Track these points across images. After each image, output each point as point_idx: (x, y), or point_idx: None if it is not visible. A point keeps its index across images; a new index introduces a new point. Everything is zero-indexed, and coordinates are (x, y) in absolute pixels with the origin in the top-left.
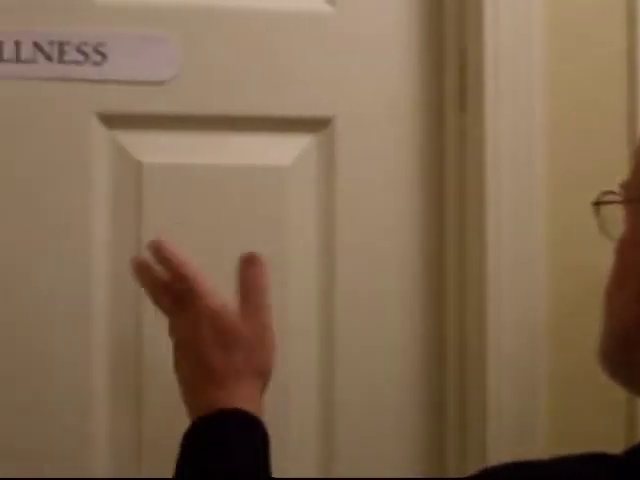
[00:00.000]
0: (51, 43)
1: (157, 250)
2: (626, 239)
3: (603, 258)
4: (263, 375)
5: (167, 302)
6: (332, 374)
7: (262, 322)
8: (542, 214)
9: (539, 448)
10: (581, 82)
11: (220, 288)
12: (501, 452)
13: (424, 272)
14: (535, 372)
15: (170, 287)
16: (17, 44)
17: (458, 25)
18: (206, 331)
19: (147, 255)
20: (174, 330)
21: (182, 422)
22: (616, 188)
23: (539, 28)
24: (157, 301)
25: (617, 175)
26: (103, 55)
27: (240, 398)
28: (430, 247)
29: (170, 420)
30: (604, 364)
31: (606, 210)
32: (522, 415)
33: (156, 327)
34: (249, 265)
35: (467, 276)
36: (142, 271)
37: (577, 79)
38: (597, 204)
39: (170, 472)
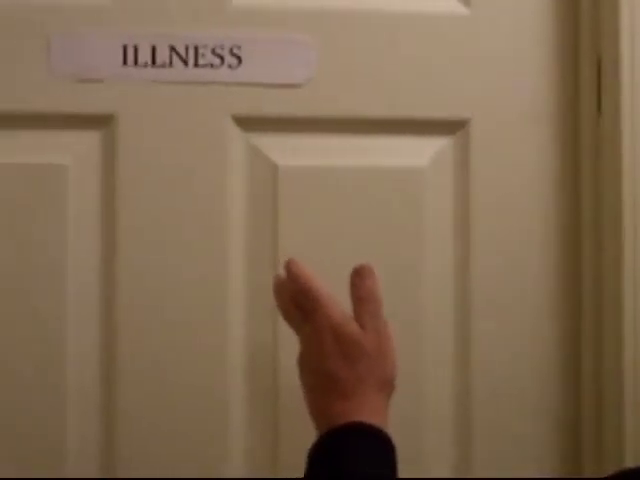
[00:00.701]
0: (186, 47)
1: (287, 268)
2: None
3: None
4: (387, 385)
5: (295, 317)
6: (467, 377)
7: (381, 333)
8: None
9: None
10: None
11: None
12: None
13: (561, 275)
14: None
15: (297, 302)
16: (153, 48)
17: (594, 25)
18: (329, 343)
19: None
20: (300, 343)
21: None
22: None
23: None
24: (287, 317)
25: None
26: (238, 58)
27: (366, 410)
28: (567, 250)
29: (306, 433)
30: None
31: None
32: None
33: (292, 335)
34: (363, 277)
35: (604, 279)
36: (279, 290)
37: None
38: None
39: None
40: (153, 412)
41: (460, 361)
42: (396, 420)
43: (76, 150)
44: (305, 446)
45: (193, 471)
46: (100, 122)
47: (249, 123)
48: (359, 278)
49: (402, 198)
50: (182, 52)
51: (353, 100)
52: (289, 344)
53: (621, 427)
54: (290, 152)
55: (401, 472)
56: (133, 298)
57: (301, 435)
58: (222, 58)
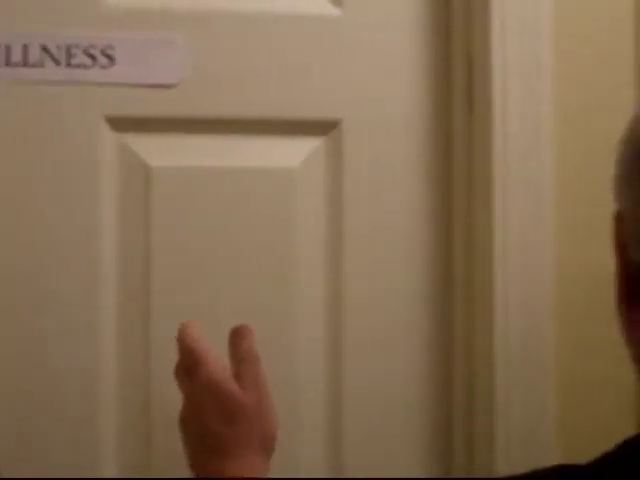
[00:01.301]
0: (58, 46)
1: (178, 330)
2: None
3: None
4: (266, 445)
5: (182, 378)
6: (340, 378)
7: (261, 392)
8: (550, 207)
9: (547, 447)
10: (588, 83)
11: (224, 294)
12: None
13: (432, 274)
14: (543, 377)
15: (183, 362)
16: (24, 47)
17: (465, 26)
18: (209, 401)
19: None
20: (183, 401)
21: None
22: None
23: (546, 29)
24: (176, 378)
25: None
26: (111, 58)
27: (245, 471)
28: (438, 248)
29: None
30: None
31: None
32: (530, 410)
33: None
34: (241, 337)
35: (475, 276)
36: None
37: (584, 80)
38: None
39: None
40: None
41: (331, 360)
42: None
43: None
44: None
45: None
46: None
47: (121, 124)
48: (238, 338)
49: (274, 199)
50: (54, 52)
51: (225, 101)
52: (160, 350)
53: (492, 428)
54: (163, 153)
55: (273, 474)
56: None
57: (173, 444)
58: (94, 58)
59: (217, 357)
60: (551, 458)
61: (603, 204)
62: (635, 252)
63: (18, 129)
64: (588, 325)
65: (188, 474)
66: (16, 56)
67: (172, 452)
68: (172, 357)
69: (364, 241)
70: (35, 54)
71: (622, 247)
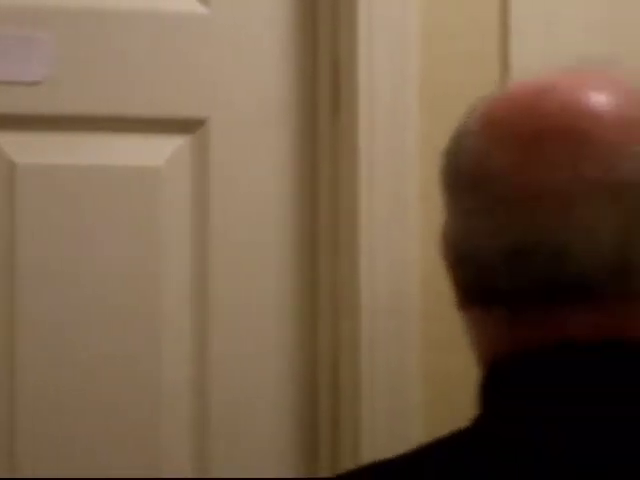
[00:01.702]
0: None
1: None
2: None
3: None
4: None
5: None
6: (205, 374)
7: None
8: (415, 204)
9: (413, 436)
10: (454, 83)
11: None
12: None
13: (299, 274)
14: (408, 368)
15: None
16: None
17: (332, 27)
18: None
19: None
20: None
21: None
22: None
23: (413, 34)
24: None
25: None
26: None
27: None
28: (305, 248)
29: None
30: None
31: None
32: (394, 407)
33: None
34: None
35: (340, 278)
36: None
37: (450, 79)
38: None
39: None
40: None
41: (197, 360)
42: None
43: None
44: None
45: None
46: None
47: None
48: None
49: (139, 197)
50: None
51: (93, 98)
52: (24, 340)
53: (357, 425)
54: (29, 150)
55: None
56: None
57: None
58: None
59: None
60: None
61: None
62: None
63: None
64: (452, 321)
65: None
66: None
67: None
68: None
69: (229, 239)
70: None
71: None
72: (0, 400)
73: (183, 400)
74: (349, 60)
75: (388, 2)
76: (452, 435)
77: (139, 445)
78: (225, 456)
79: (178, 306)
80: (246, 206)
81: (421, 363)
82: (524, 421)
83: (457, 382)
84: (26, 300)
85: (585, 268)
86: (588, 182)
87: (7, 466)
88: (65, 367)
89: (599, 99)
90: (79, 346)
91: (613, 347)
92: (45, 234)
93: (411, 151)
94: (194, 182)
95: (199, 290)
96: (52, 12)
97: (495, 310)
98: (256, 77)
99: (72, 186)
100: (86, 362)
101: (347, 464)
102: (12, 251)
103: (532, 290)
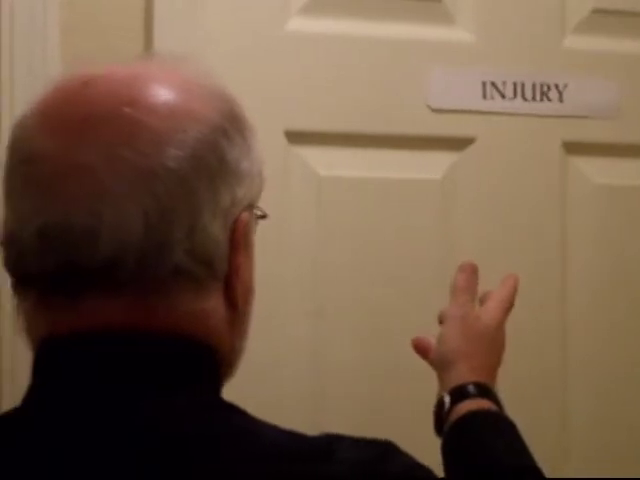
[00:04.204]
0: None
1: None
2: None
3: None
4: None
5: None
6: None
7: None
8: None
9: None
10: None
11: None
12: None
13: None
14: None
15: None
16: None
17: None
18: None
19: None
20: None
21: None
22: None
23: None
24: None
25: None
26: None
27: None
28: None
29: None
30: None
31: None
32: None
33: None
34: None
35: None
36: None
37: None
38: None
39: None
40: None
41: None
42: None
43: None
44: None
45: None
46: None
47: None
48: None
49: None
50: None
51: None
52: None
53: None
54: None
55: None
56: None
57: None
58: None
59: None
60: None
61: None
62: None
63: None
64: None
65: None
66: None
67: None
68: None
69: None
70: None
71: None
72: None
73: None
74: None
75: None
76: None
77: None
78: None
79: None
80: None
81: None
82: (45, 407)
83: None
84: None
85: (111, 254)
86: (124, 165)
87: None
88: None
89: (150, 88)
90: None
91: (123, 339)
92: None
93: None
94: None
95: None
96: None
97: (30, 294)
98: None
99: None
100: None
101: None
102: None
103: (58, 274)
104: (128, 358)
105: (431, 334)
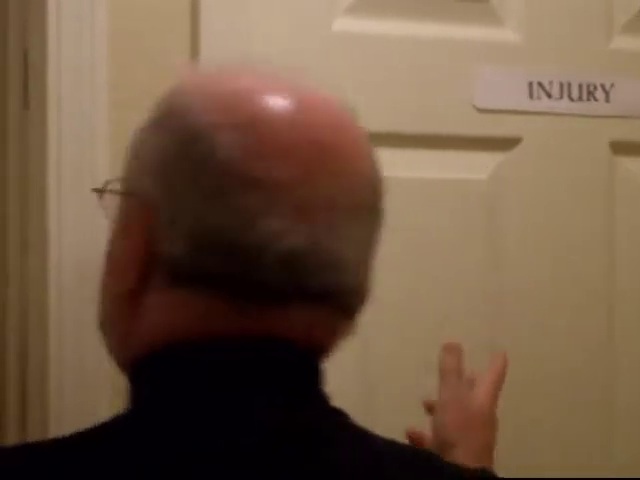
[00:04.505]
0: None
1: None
2: (115, 229)
3: None
4: None
5: None
6: None
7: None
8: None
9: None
10: (141, 80)
11: None
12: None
13: None
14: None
15: None
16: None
17: (21, 23)
18: None
19: None
20: None
21: None
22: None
23: (102, 34)
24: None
25: None
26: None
27: None
28: None
29: None
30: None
31: (109, 199)
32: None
33: None
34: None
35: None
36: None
37: (137, 77)
38: (99, 191)
39: None
40: None
41: None
42: None
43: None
44: None
45: None
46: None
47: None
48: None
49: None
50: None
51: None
52: None
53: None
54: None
55: None
56: None
57: None
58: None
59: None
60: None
61: None
62: (169, 244)
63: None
64: None
65: None
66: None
67: None
68: None
69: None
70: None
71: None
72: None
73: None
74: (39, 57)
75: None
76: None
77: None
78: None
79: None
80: None
81: None
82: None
83: None
84: None
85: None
86: (353, 198)
87: None
88: None
89: (346, 118)
90: None
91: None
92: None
93: (100, 148)
94: None
95: None
96: None
97: (187, 292)
98: None
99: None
100: None
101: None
102: None
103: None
104: (271, 364)
105: (475, 337)
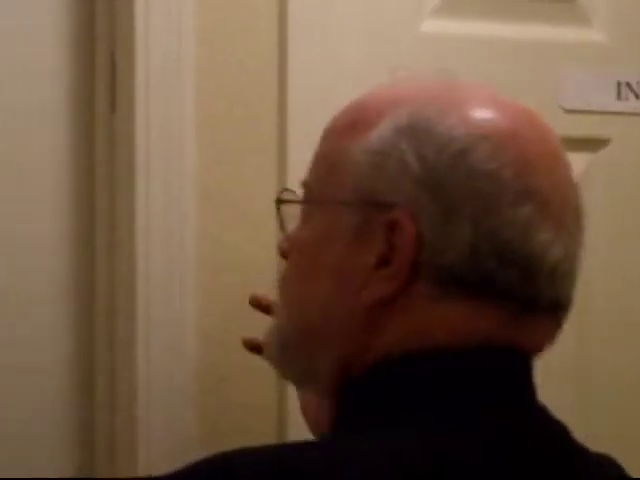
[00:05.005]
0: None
1: None
2: (303, 238)
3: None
4: None
5: None
6: None
7: None
8: (192, 208)
9: (190, 437)
10: (230, 88)
11: None
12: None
13: (74, 277)
14: (185, 370)
15: None
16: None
17: (109, 27)
18: None
19: None
20: None
21: None
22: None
23: (189, 36)
24: None
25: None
26: None
27: None
28: (82, 253)
29: None
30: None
31: (285, 208)
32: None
33: None
34: None
35: (117, 277)
36: None
37: (225, 84)
38: (278, 202)
39: None
40: None
41: None
42: None
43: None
44: None
45: None
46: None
47: None
48: None
49: None
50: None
51: None
52: None
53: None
54: None
55: None
56: None
57: None
58: None
59: None
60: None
61: (245, 206)
62: (441, 252)
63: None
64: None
65: None
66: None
67: None
68: None
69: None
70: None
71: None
72: None
73: None
74: (126, 61)
75: (166, 3)
76: None
77: None
78: None
79: None
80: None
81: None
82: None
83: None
84: None
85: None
86: (578, 206)
87: None
88: None
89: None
90: None
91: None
92: None
93: (188, 154)
94: None
95: None
96: None
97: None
98: (30, 79)
99: None
100: None
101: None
102: None
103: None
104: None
105: None
